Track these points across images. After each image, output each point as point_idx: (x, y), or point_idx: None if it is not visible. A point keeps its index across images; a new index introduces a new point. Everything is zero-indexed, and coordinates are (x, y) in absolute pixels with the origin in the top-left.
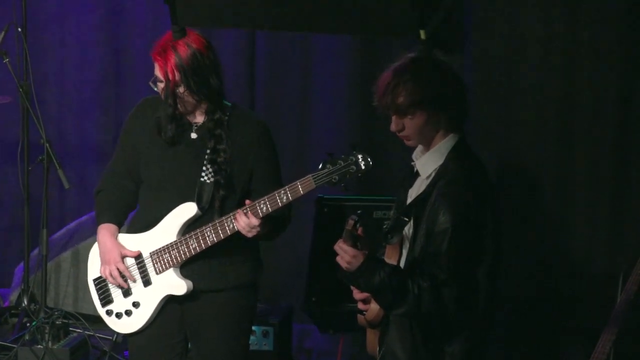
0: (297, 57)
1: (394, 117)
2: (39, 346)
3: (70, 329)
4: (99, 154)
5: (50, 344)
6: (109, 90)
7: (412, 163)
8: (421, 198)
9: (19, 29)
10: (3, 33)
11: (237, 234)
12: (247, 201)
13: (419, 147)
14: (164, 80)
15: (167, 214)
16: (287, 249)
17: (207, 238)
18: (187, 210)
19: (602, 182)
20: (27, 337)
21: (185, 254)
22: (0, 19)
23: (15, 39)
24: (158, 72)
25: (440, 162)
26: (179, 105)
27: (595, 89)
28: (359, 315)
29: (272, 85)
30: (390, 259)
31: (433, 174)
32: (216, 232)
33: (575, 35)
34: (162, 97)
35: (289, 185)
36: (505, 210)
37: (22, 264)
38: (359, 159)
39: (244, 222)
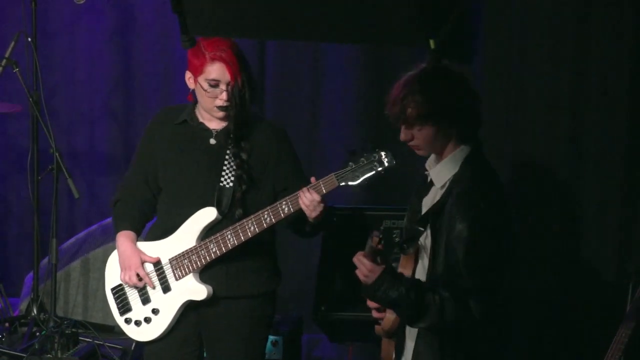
0: (306, 68)
1: (402, 128)
2: (49, 355)
3: (80, 338)
4: (109, 163)
5: (59, 353)
6: (118, 99)
7: (426, 172)
8: (437, 207)
9: (29, 39)
10: (13, 43)
11: (256, 238)
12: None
13: (432, 156)
14: (231, 82)
15: (187, 220)
16: (296, 258)
17: (228, 241)
18: (207, 214)
19: (612, 190)
20: (36, 347)
21: (205, 258)
22: (10, 29)
23: (25, 49)
24: (223, 75)
25: (455, 171)
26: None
27: (605, 97)
28: (376, 325)
29: (281, 96)
30: (405, 268)
31: (448, 183)
32: (237, 235)
33: (585, 44)
34: (220, 102)
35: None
36: (515, 218)
37: (31, 273)
38: (382, 156)
39: (309, 198)
